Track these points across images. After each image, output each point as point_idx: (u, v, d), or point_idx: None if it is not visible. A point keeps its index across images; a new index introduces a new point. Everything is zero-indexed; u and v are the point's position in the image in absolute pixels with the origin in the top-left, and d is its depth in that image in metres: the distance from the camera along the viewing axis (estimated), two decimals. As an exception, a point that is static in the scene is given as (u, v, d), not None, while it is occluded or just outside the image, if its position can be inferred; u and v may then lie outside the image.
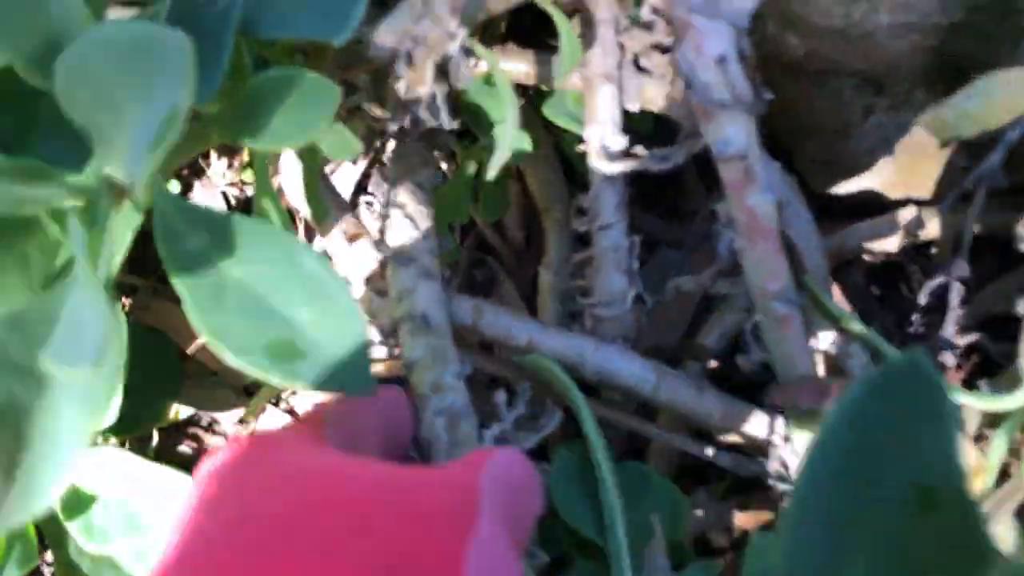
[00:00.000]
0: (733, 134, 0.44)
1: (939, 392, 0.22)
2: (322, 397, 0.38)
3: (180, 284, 0.32)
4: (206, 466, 0.32)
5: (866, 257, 0.66)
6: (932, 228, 0.61)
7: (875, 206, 0.63)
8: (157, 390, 0.67)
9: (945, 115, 0.45)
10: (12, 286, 0.31)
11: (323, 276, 0.33)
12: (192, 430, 0.70)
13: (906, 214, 0.62)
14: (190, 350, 0.67)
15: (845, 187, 0.63)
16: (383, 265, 0.50)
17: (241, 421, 0.68)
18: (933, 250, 0.64)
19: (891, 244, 0.63)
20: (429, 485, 0.30)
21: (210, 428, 0.70)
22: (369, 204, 0.71)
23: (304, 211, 0.55)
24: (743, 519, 0.60)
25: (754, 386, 0.54)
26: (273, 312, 0.32)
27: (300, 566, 0.27)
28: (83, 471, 0.55)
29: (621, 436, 0.65)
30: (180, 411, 0.68)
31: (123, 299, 0.70)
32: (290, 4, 0.39)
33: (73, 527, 0.55)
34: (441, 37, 0.43)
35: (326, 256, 0.34)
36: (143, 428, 0.68)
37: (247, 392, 0.69)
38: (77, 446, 0.30)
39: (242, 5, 0.38)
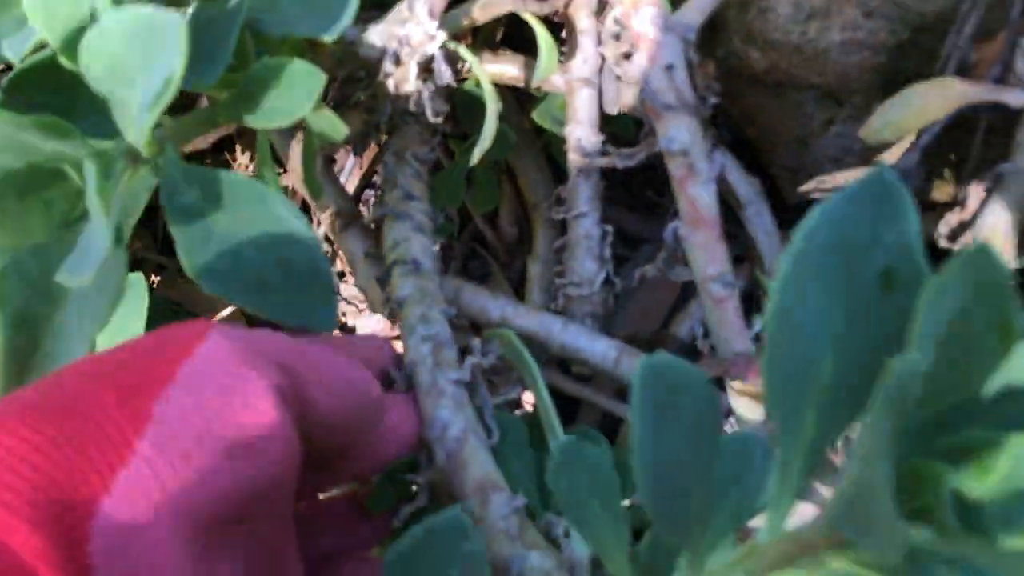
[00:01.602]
0: (678, 133, 0.50)
1: (901, 195, 0.27)
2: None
3: (175, 231, 0.39)
4: None
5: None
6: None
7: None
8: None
9: (874, 123, 0.50)
10: (36, 226, 0.38)
11: (293, 223, 0.39)
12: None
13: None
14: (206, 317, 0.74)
15: (807, 187, 0.68)
16: (378, 224, 0.56)
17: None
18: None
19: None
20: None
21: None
22: (377, 196, 0.77)
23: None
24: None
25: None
26: (249, 251, 0.39)
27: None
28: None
29: (596, 417, 0.71)
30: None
31: (152, 276, 0.77)
32: (290, 5, 0.46)
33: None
34: (423, 39, 0.49)
35: (296, 207, 0.40)
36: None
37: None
38: (81, 352, 0.36)
39: (248, 6, 0.45)
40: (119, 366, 0.31)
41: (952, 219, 0.50)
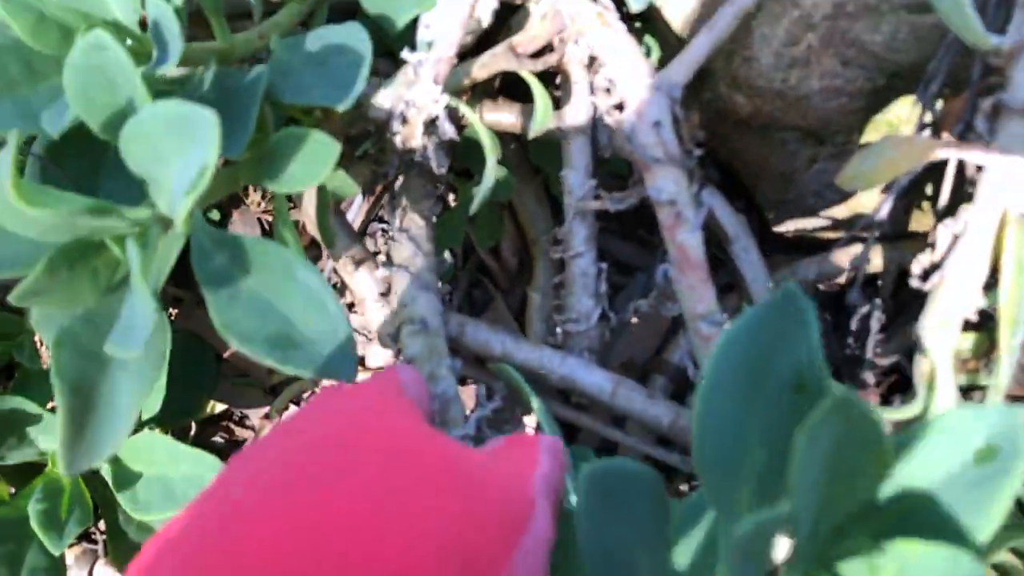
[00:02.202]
0: (665, 184, 0.53)
1: (807, 311, 0.32)
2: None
3: (205, 291, 0.43)
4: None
5: (821, 286, 0.74)
6: (876, 262, 0.70)
7: (825, 241, 0.72)
8: (196, 387, 0.77)
9: (848, 172, 0.54)
10: (84, 292, 0.42)
11: (315, 285, 0.43)
12: (225, 423, 0.81)
13: (852, 251, 0.70)
14: (226, 354, 0.78)
15: (790, 226, 0.72)
16: (388, 281, 0.60)
17: (267, 416, 0.79)
18: (879, 282, 0.72)
19: (840, 277, 0.72)
20: (493, 479, 0.32)
21: (240, 422, 0.81)
22: (384, 231, 0.81)
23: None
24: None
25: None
26: (274, 312, 0.43)
27: (360, 507, 0.27)
28: (131, 452, 0.66)
29: (594, 443, 0.74)
30: (215, 406, 0.79)
31: (170, 308, 0.81)
32: (306, 77, 0.50)
33: (121, 498, 0.65)
34: (428, 101, 0.53)
35: (318, 269, 0.44)
36: (183, 420, 0.79)
37: (273, 391, 0.79)
38: (131, 413, 0.40)
39: (267, 77, 0.49)
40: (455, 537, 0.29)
41: (923, 260, 0.54)
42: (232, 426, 0.80)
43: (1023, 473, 0.31)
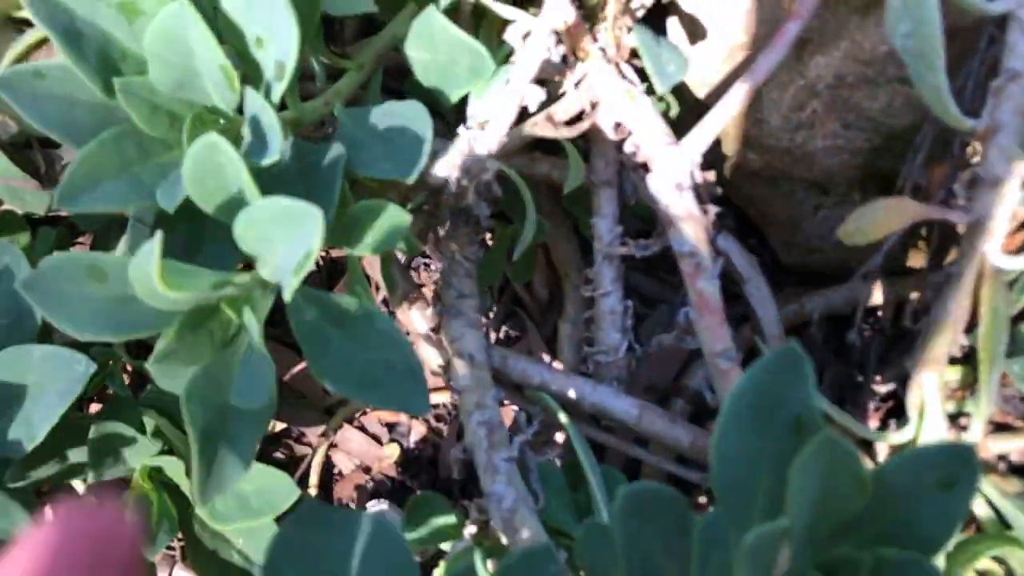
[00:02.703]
0: (686, 238, 0.61)
1: (804, 365, 0.40)
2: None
3: (302, 342, 0.51)
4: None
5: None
6: (877, 296, 0.77)
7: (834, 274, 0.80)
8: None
9: (848, 228, 0.61)
10: (202, 351, 0.50)
11: (393, 334, 0.51)
12: (285, 440, 0.89)
13: (854, 286, 0.78)
14: (286, 378, 0.86)
15: (799, 261, 0.80)
16: (437, 319, 0.68)
17: (323, 434, 0.87)
18: (879, 312, 0.80)
19: (843, 309, 0.79)
20: None
21: (298, 439, 0.89)
22: (426, 266, 0.89)
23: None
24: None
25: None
26: (360, 357, 0.51)
27: None
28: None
29: (620, 461, 0.82)
30: (276, 425, 0.87)
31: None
32: (376, 155, 0.58)
33: (202, 512, 0.73)
34: (479, 170, 0.61)
35: (393, 319, 0.52)
36: (248, 438, 0.87)
37: (328, 412, 0.87)
38: (251, 451, 0.48)
39: (344, 155, 0.56)
40: None
41: (912, 304, 0.62)
42: (291, 443, 0.88)
43: (972, 498, 0.39)
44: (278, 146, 0.51)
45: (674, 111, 0.77)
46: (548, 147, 0.76)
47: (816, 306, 0.79)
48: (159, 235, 0.43)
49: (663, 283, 0.87)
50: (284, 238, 0.47)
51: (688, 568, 0.46)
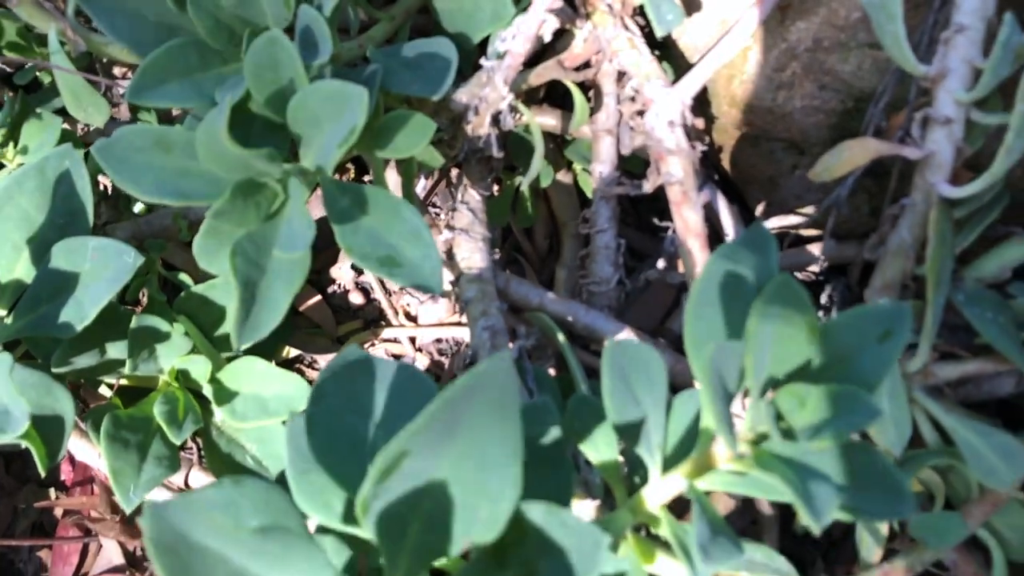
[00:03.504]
0: (675, 169, 0.69)
1: (769, 241, 0.48)
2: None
3: (334, 225, 0.58)
4: None
5: (798, 275, 0.90)
6: (848, 253, 0.85)
7: (804, 238, 0.88)
8: (275, 334, 0.92)
9: (817, 168, 0.70)
10: (249, 217, 0.57)
11: (415, 222, 0.59)
12: (298, 366, 0.96)
13: (825, 245, 0.86)
14: (302, 308, 0.94)
15: (774, 223, 0.88)
16: (449, 244, 0.76)
17: (333, 363, 0.94)
18: (849, 268, 0.88)
19: (815, 265, 0.87)
20: None
21: (311, 365, 0.96)
22: (437, 214, 0.97)
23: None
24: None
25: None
26: (384, 240, 0.58)
27: None
28: (229, 375, 0.81)
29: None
30: (290, 351, 0.94)
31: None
32: (406, 78, 0.66)
33: (222, 411, 0.80)
34: (496, 98, 0.69)
35: (417, 210, 0.59)
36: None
37: (339, 341, 0.95)
38: (283, 305, 0.55)
39: (380, 73, 0.65)
40: None
41: (873, 239, 0.70)
42: (304, 368, 0.95)
43: (904, 347, 0.47)
44: (329, 49, 0.59)
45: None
46: (555, 101, 0.85)
47: (788, 262, 0.87)
48: (228, 98, 0.51)
49: (653, 238, 0.95)
50: (331, 117, 0.54)
51: (668, 418, 0.53)
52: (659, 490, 0.52)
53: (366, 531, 0.41)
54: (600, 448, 0.57)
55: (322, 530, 0.47)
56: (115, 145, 0.56)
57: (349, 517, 0.46)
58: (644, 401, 0.51)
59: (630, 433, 0.52)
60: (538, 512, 0.42)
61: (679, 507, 0.53)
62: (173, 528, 0.35)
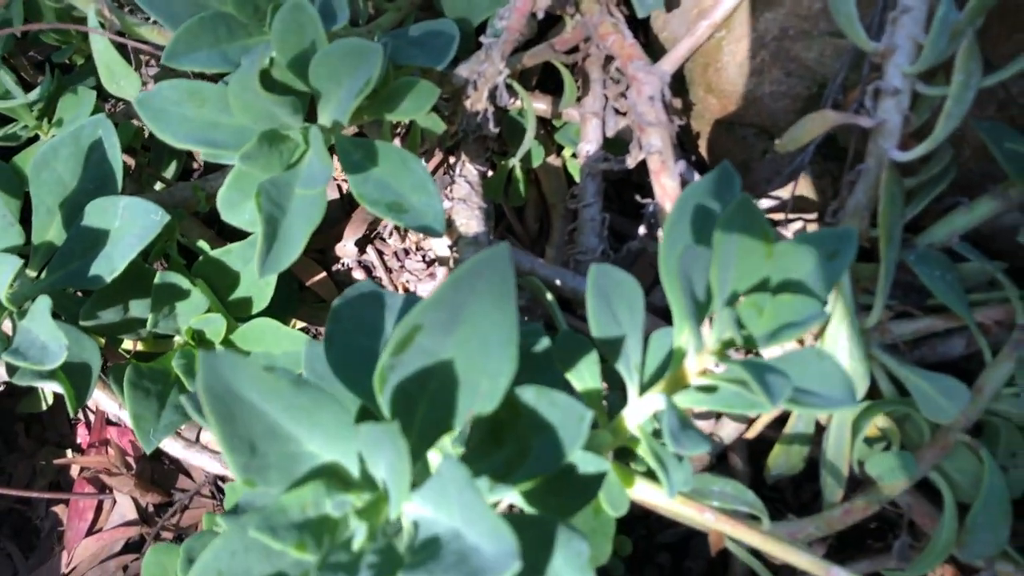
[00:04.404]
0: (655, 140, 0.77)
1: (733, 178, 0.55)
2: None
3: (348, 175, 0.65)
4: None
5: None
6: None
7: (775, 221, 0.95)
8: (284, 308, 0.99)
9: (783, 140, 0.77)
10: (273, 165, 0.64)
11: (421, 173, 0.65)
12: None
13: (794, 227, 0.93)
14: (308, 283, 1.00)
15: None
16: (448, 214, 0.83)
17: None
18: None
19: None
20: None
21: (316, 336, 1.02)
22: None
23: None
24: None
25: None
26: (392, 189, 0.65)
27: None
28: (242, 336, 0.87)
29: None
30: (296, 324, 1.00)
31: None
32: (412, 53, 0.73)
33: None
34: (494, 73, 0.76)
35: (423, 162, 0.66)
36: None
37: (342, 314, 1.01)
38: (301, 240, 0.62)
39: (390, 45, 0.72)
40: None
41: (834, 204, 0.77)
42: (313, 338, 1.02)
43: (849, 265, 0.53)
44: (346, 15, 0.66)
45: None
46: (547, 89, 0.92)
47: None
48: (260, 49, 0.58)
49: (634, 221, 1.02)
50: (349, 72, 0.62)
51: (646, 347, 0.60)
52: (638, 409, 0.59)
53: (383, 406, 0.47)
54: (585, 377, 0.63)
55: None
56: (154, 97, 0.63)
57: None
58: (624, 321, 0.57)
59: (611, 350, 0.58)
60: (530, 393, 0.49)
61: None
62: (223, 379, 0.42)
